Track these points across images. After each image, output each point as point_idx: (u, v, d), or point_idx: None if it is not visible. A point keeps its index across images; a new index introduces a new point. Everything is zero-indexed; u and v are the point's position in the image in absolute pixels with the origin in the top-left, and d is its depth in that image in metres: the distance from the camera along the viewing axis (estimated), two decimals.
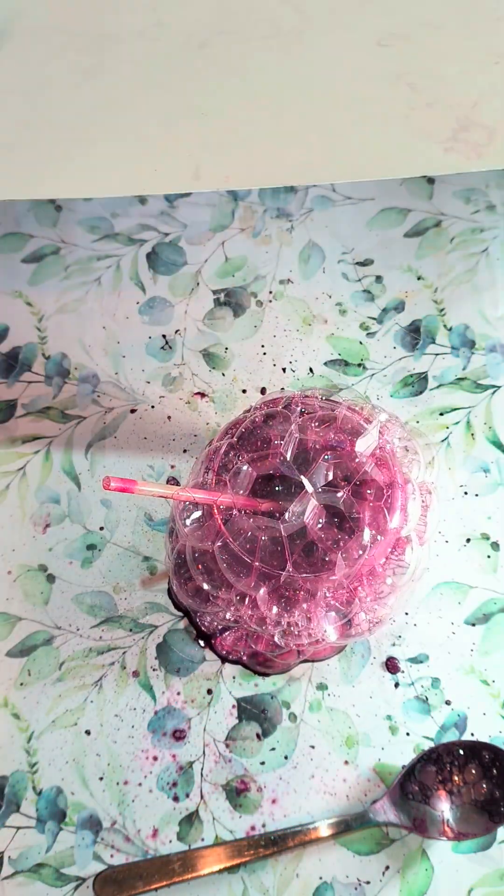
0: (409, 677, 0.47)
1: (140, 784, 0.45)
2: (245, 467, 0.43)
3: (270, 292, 0.56)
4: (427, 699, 0.46)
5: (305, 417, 0.45)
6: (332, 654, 0.47)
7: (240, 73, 0.51)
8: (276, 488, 0.43)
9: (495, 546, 0.49)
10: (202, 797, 0.44)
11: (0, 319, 0.56)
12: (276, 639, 0.42)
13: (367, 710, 0.46)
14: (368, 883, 0.42)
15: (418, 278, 0.56)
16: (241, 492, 0.43)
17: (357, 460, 0.44)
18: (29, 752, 0.45)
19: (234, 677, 0.47)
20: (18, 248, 0.58)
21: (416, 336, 0.55)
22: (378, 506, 0.43)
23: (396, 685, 0.46)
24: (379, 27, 0.50)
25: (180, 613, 0.48)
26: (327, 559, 0.41)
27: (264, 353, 0.54)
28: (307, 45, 0.50)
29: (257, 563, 0.41)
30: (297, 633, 0.42)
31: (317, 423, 0.45)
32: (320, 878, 0.43)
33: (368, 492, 0.44)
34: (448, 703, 0.46)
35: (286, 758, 0.45)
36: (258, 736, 0.45)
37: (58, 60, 0.52)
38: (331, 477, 0.43)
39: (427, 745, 0.45)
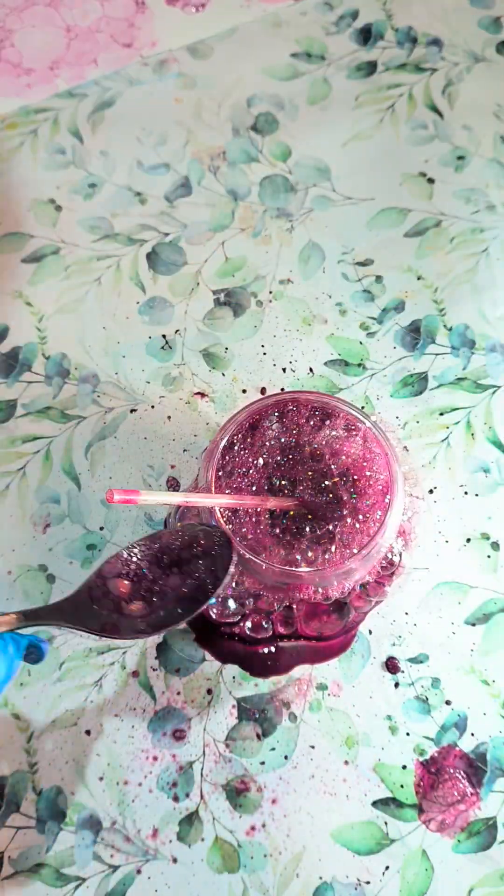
0: (409, 677, 0.47)
1: (140, 784, 0.44)
2: (245, 470, 0.43)
3: (270, 292, 0.56)
4: (427, 699, 0.46)
5: (302, 415, 0.45)
6: (335, 655, 0.47)
7: None
8: (276, 483, 0.43)
9: (495, 546, 0.49)
10: (202, 797, 0.44)
11: (0, 319, 0.56)
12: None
13: (367, 710, 0.46)
14: (368, 883, 0.42)
15: (418, 278, 0.56)
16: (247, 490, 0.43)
17: (354, 452, 0.44)
18: (29, 752, 0.45)
19: (234, 677, 0.47)
20: (18, 248, 0.58)
21: (416, 336, 0.55)
22: (379, 501, 0.43)
23: (396, 685, 0.46)
24: None
25: None
26: (328, 556, 0.41)
27: (264, 353, 0.54)
28: None
29: (261, 561, 0.41)
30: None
31: (312, 421, 0.45)
32: (320, 877, 0.43)
33: (368, 490, 0.44)
34: (448, 703, 0.46)
35: (286, 758, 0.45)
36: (258, 736, 0.45)
37: None
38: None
39: (427, 745, 0.45)
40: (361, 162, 0.60)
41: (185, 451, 0.52)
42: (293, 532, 0.42)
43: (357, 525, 0.42)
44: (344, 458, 0.44)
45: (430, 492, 0.50)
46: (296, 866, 0.43)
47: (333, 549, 0.42)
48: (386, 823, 0.44)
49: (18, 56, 0.64)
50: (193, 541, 0.41)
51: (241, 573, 0.42)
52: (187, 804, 0.44)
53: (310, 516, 0.43)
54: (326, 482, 0.43)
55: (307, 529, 0.42)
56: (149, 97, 0.63)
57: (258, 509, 0.43)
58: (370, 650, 0.47)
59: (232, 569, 0.40)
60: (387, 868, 0.43)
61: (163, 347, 0.55)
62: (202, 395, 0.53)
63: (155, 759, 0.45)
